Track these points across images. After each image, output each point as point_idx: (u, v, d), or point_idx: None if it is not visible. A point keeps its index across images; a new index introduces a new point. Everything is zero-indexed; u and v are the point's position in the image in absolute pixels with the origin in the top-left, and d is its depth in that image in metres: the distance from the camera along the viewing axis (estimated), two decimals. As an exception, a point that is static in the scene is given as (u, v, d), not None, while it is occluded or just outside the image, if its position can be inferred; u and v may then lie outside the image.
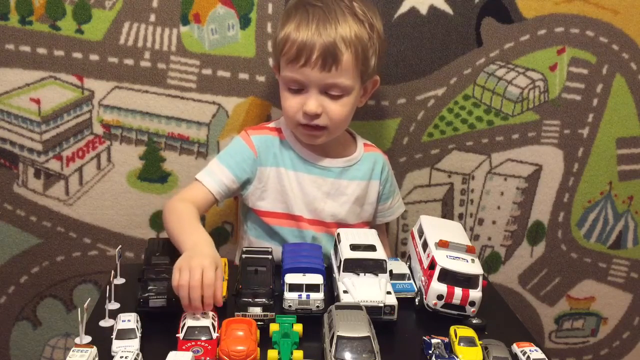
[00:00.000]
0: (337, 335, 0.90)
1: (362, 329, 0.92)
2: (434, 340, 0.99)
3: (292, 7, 1.28)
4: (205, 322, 0.99)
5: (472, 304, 1.10)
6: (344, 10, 1.24)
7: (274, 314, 1.04)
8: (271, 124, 1.38)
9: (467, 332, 1.01)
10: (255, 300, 1.05)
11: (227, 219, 1.56)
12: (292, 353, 0.95)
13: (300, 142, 1.34)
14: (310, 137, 1.29)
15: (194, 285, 1.01)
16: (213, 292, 1.03)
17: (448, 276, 1.10)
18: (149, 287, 1.07)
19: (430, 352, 0.97)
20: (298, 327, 1.01)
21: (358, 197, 1.36)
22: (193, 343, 0.95)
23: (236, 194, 1.37)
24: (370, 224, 1.43)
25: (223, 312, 1.06)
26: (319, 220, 1.35)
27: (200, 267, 1.03)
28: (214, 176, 1.30)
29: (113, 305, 1.08)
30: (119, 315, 1.00)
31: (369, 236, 1.19)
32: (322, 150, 1.34)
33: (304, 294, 1.06)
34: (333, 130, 1.29)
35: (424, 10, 1.47)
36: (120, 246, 1.22)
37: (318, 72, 1.22)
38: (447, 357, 0.96)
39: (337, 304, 1.01)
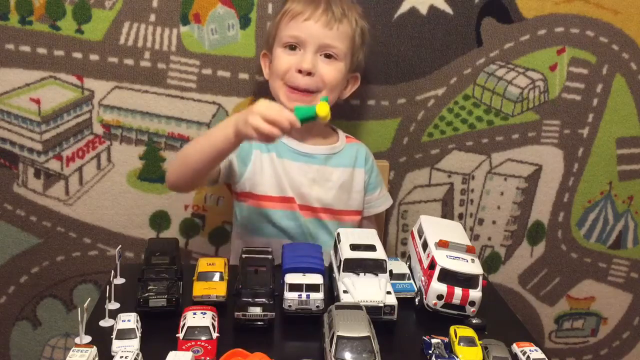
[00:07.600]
0: (337, 335, 0.90)
1: (362, 329, 0.92)
2: (434, 340, 0.99)
3: None
4: (205, 322, 0.98)
5: (472, 304, 1.09)
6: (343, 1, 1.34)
7: (274, 314, 1.04)
8: None
9: (467, 332, 1.01)
10: (255, 300, 1.05)
11: (227, 219, 1.56)
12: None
13: None
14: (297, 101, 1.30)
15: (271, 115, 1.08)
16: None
17: (448, 276, 1.10)
18: (149, 287, 1.06)
19: (430, 352, 0.97)
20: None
21: (343, 184, 1.38)
22: (193, 343, 0.95)
23: (233, 176, 1.34)
24: (361, 214, 1.43)
25: (224, 312, 1.06)
26: (307, 205, 1.36)
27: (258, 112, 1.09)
28: None
29: (113, 305, 1.08)
30: (119, 315, 1.00)
31: (369, 236, 1.18)
32: (304, 137, 1.37)
33: (304, 294, 1.06)
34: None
35: (424, 10, 1.47)
36: (120, 246, 1.21)
37: (321, 27, 1.28)
38: (447, 357, 0.96)
39: (337, 304, 1.01)
